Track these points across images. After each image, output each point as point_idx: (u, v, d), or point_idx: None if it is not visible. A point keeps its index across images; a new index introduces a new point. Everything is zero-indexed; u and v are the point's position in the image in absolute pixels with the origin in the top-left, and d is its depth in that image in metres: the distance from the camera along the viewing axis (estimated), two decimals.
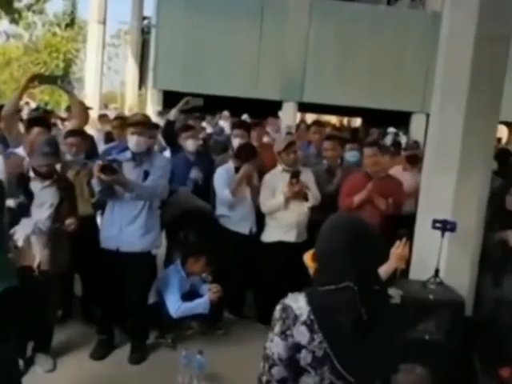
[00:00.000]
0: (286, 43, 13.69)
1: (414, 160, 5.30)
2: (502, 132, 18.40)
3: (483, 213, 3.87)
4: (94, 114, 8.94)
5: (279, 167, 4.52)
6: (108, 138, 6.51)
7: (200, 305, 3.97)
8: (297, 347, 1.62)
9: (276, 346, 1.64)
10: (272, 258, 4.35)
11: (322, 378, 1.64)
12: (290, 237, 4.33)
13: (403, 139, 10.16)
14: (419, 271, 3.78)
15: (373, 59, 13.62)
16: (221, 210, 4.53)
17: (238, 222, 4.49)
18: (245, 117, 10.10)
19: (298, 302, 1.65)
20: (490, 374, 3.70)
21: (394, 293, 3.35)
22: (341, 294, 1.63)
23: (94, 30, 18.25)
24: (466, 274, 3.78)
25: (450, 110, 3.81)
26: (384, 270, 2.82)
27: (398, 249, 2.78)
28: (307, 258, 1.82)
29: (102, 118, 9.34)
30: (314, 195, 4.44)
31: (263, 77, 13.80)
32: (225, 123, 10.44)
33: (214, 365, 3.51)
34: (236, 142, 4.91)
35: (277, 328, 1.64)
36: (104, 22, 18.31)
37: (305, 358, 1.62)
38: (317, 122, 5.97)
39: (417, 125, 13.47)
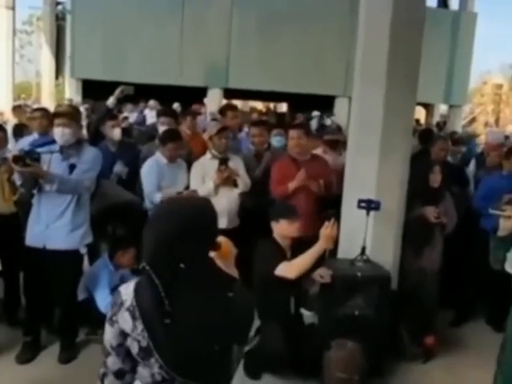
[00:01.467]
0: (209, 29, 13.58)
1: (334, 144, 5.46)
2: (420, 113, 19.35)
3: (405, 191, 4.04)
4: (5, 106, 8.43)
5: (208, 154, 4.49)
6: (17, 130, 6.09)
7: None
8: (123, 335, 1.53)
9: (106, 332, 1.56)
10: None
11: (152, 373, 1.52)
12: (222, 223, 4.30)
13: (328, 122, 10.40)
14: (347, 250, 3.91)
15: (297, 45, 13.84)
16: (149, 205, 4.42)
17: None
18: (176, 105, 9.93)
19: (127, 288, 1.55)
20: (416, 343, 3.91)
21: (324, 272, 3.44)
22: (143, 278, 1.51)
23: (2, 16, 17.29)
24: (390, 250, 3.95)
25: (370, 94, 3.92)
26: (314, 251, 2.90)
27: (326, 229, 2.85)
28: (215, 255, 1.78)
29: (17, 109, 8.82)
30: (243, 181, 4.45)
31: (187, 63, 13.63)
32: (150, 112, 10.22)
33: None
34: (162, 130, 4.81)
35: (108, 314, 1.56)
36: (13, 8, 17.36)
37: (132, 346, 1.52)
38: (229, 107, 5.75)
39: (340, 108, 13.87)
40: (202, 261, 1.53)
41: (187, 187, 4.42)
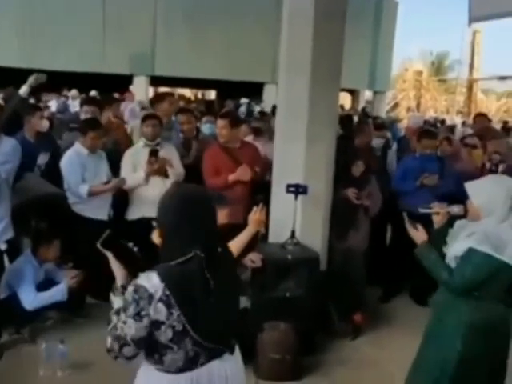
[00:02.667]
0: (133, 15, 13.20)
1: (258, 131, 5.52)
2: (346, 99, 19.90)
3: (331, 175, 4.16)
4: None
5: (141, 142, 4.39)
6: None
7: (57, 292, 3.75)
8: (155, 325, 1.62)
9: (129, 327, 1.61)
10: (137, 235, 4.23)
11: (185, 351, 1.68)
12: (153, 212, 4.23)
13: (257, 109, 10.47)
14: (277, 234, 3.97)
15: (225, 32, 13.73)
16: (73, 198, 4.27)
17: (95, 209, 4.28)
18: (93, 93, 9.60)
19: (150, 281, 1.62)
20: (346, 320, 4.06)
21: (255, 257, 3.48)
22: (190, 264, 1.65)
23: None
24: (319, 233, 4.06)
25: (296, 81, 3.98)
26: (244, 237, 2.91)
27: (255, 214, 2.88)
28: (154, 235, 1.80)
29: None
30: (176, 171, 4.38)
31: (110, 50, 13.18)
32: (73, 102, 9.87)
33: (78, 352, 3.40)
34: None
35: (130, 310, 1.61)
36: None
37: (165, 333, 1.63)
38: (162, 94, 5.63)
39: (269, 95, 13.97)
40: (224, 245, 1.92)
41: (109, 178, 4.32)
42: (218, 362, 1.78)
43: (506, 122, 12.25)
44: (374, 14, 17.39)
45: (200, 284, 1.65)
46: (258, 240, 3.70)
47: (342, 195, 4.17)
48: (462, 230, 2.43)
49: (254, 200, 3.77)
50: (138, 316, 1.60)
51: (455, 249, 2.39)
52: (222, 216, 3.25)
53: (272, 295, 3.60)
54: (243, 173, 4.16)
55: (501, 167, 5.10)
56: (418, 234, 2.53)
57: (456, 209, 2.55)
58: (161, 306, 1.60)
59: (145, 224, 4.19)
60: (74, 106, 8.96)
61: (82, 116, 4.89)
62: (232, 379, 1.82)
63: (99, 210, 4.30)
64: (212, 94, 21.30)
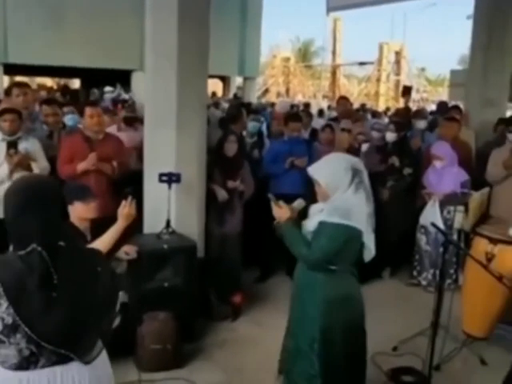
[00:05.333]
0: None
1: (131, 120, 5.40)
2: (218, 86, 20.04)
3: (204, 162, 4.20)
4: None
5: (0, 135, 4.07)
6: None
7: None
8: None
9: None
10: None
11: (19, 349, 1.60)
12: None
13: (125, 97, 10.14)
14: (152, 224, 3.93)
15: (88, 18, 12.97)
16: None
17: None
18: None
19: None
20: (225, 303, 4.16)
21: (130, 249, 3.41)
22: (29, 258, 1.59)
23: None
24: (194, 220, 4.09)
25: (164, 68, 3.95)
26: (114, 231, 2.85)
27: (124, 208, 2.82)
28: None
29: None
30: (40, 165, 4.12)
31: None
32: None
33: None
34: None
35: None
36: None
37: None
38: (18, 84, 5.25)
39: (137, 83, 13.58)
40: (73, 238, 1.80)
41: None
42: (61, 369, 1.67)
43: (363, 105, 13.22)
44: (241, 1, 17.64)
45: (37, 278, 1.56)
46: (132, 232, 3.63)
47: (215, 181, 4.22)
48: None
49: (123, 194, 3.68)
50: None
51: (308, 225, 2.51)
52: (90, 210, 3.14)
53: (150, 286, 3.57)
54: (90, 162, 4.05)
55: (364, 147, 5.51)
56: (281, 212, 2.57)
57: (296, 203, 2.64)
58: None
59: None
60: None
61: None
62: None
63: None
64: (76, 83, 20.21)
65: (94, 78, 13.42)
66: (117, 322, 1.81)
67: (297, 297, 2.65)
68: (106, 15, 13.26)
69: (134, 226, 3.55)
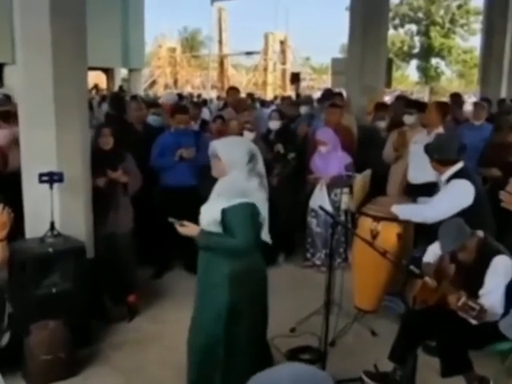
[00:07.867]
0: None
1: (6, 116, 5.03)
2: (101, 78, 19.25)
3: (88, 159, 3.98)
4: None
5: None
6: None
7: None
8: None
9: None
10: None
11: None
12: None
13: None
14: (35, 228, 3.67)
15: None
16: None
17: None
18: None
19: None
20: (120, 304, 4.02)
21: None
22: None
23: None
24: (81, 220, 3.88)
25: (37, 63, 3.69)
26: None
27: None
28: None
29: None
30: None
31: None
32: None
33: None
34: None
35: None
36: None
37: None
38: None
39: (11, 77, 12.60)
40: None
41: None
42: None
43: (251, 94, 13.40)
44: None
45: None
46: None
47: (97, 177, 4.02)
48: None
49: None
50: None
51: (211, 214, 2.55)
52: None
53: (37, 293, 3.35)
54: None
55: (251, 136, 5.58)
56: (189, 229, 2.64)
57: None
58: None
59: None
60: None
61: None
62: None
63: None
64: None
65: None
66: (5, 339, 1.61)
67: (203, 279, 2.68)
68: None
69: (14, 233, 3.30)
